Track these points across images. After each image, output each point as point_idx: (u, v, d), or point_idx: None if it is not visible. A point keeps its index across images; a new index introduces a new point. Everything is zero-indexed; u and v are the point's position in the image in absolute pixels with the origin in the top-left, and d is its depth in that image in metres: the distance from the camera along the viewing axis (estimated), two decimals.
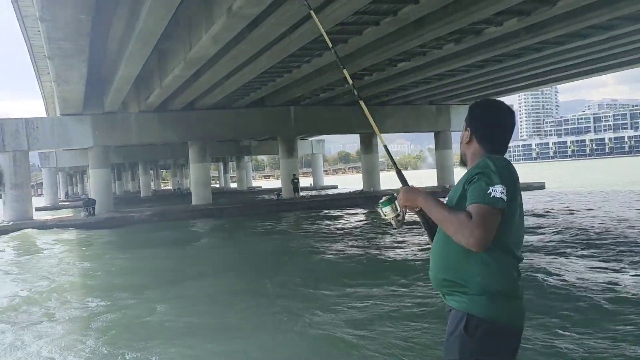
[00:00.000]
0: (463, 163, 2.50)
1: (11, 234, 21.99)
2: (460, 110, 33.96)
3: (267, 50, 16.88)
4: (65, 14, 13.17)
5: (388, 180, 41.87)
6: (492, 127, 2.41)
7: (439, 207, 2.27)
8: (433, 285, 2.42)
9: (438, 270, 2.34)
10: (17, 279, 11.70)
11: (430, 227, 2.45)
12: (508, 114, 2.44)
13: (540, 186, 33.47)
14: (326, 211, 25.09)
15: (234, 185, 74.34)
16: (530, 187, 33.25)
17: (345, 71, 2.87)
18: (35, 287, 10.36)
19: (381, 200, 2.50)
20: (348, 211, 24.94)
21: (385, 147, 2.87)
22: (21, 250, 17.45)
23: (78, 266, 13.16)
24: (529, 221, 16.20)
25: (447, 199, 2.39)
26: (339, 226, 19.22)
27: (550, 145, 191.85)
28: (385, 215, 2.50)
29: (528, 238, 12.12)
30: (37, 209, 34.55)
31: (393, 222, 2.49)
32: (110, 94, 23.90)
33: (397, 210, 2.48)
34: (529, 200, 23.53)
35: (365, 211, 24.65)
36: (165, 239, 17.79)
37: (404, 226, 2.50)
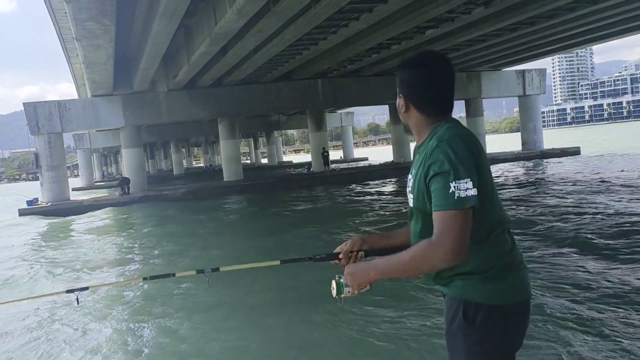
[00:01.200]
0: (407, 131, 2.21)
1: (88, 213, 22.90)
2: (492, 76, 33.26)
3: (292, 23, 16.67)
4: None
5: None
6: (427, 88, 2.05)
7: (393, 263, 1.98)
8: (427, 279, 2.17)
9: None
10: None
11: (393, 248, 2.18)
12: (442, 65, 2.07)
13: (575, 151, 32.68)
14: (357, 185, 25.02)
15: (264, 161, 74.75)
16: (565, 152, 32.54)
17: None
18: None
19: (335, 293, 2.12)
20: (382, 181, 25.01)
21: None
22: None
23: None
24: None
25: (410, 196, 2.08)
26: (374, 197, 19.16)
27: (586, 108, 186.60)
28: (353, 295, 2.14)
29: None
30: (74, 190, 35.37)
31: (363, 291, 2.12)
32: (138, 74, 24.03)
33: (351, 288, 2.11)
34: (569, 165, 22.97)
35: (395, 184, 24.50)
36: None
37: None
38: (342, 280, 2.12)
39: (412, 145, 2.22)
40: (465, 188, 1.86)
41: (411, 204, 2.11)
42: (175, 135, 52.49)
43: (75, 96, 40.93)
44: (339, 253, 2.28)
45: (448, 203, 1.86)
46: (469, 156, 1.92)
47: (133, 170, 27.78)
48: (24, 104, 26.24)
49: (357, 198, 19.72)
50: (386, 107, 34.66)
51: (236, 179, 28.57)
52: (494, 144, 50.75)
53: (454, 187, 1.86)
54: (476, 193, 1.87)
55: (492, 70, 33.24)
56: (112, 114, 27.13)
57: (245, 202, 21.86)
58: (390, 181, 25.60)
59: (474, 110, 33.56)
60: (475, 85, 32.97)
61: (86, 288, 2.84)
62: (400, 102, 2.13)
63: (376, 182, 25.42)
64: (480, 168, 1.94)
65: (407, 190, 2.13)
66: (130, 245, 13.33)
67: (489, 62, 30.82)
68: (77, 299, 2.92)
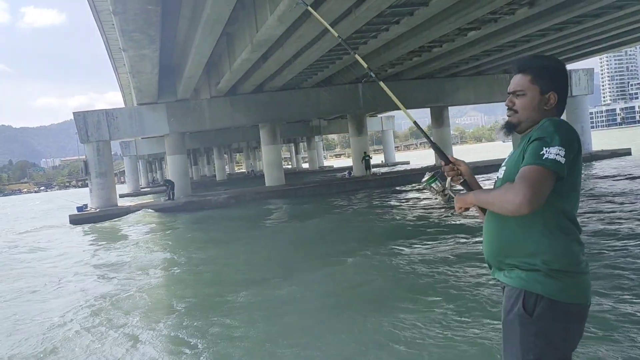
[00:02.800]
0: (509, 132, 2.29)
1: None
2: None
3: (333, 28, 16.67)
4: (135, 5, 13.57)
5: (461, 154, 41.17)
6: (567, 90, 2.25)
7: (487, 193, 2.15)
8: (489, 263, 2.24)
9: (495, 250, 2.18)
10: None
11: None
12: None
13: (626, 152, 31.62)
14: (398, 188, 24.84)
15: (305, 166, 75.03)
16: (615, 153, 31.53)
17: (357, 56, 2.95)
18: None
19: (425, 179, 2.48)
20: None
21: (415, 122, 2.86)
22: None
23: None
24: None
25: (503, 168, 2.22)
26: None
27: (637, 108, 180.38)
28: (435, 191, 2.48)
29: None
30: (121, 196, 36.32)
31: (439, 197, 2.47)
32: (182, 82, 24.54)
33: (441, 187, 2.46)
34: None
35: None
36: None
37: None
38: (434, 180, 2.45)
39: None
40: (556, 154, 1.94)
41: (500, 176, 2.23)
42: (217, 141, 53.29)
43: (122, 104, 42.08)
44: (451, 162, 2.42)
45: (535, 160, 1.96)
46: (573, 137, 2.01)
47: (177, 176, 28.34)
48: (74, 113, 27.10)
49: (405, 202, 19.56)
50: (427, 110, 34.26)
51: (278, 184, 28.78)
52: None
53: (546, 150, 1.96)
54: (563, 162, 1.95)
55: None
56: (157, 122, 27.76)
57: (290, 205, 22.03)
58: None
59: None
60: None
61: None
62: (552, 97, 2.18)
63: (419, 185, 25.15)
64: (577, 157, 2.03)
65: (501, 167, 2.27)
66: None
67: None
68: None
